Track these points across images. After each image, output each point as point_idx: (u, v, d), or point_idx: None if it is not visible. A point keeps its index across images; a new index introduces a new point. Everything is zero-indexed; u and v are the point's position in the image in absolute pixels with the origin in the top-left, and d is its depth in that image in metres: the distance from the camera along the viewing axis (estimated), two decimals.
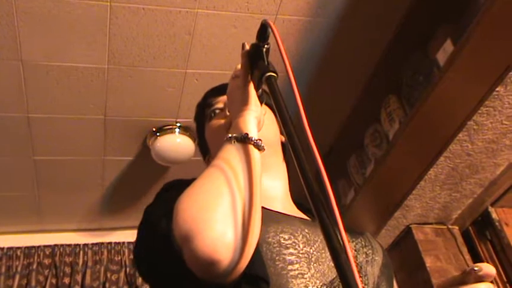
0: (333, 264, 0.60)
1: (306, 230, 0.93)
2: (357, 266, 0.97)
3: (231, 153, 0.83)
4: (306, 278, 0.85)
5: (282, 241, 0.89)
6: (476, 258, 2.48)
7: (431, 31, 2.03)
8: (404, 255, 2.56)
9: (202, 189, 0.79)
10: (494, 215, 2.47)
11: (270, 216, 0.94)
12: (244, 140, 0.84)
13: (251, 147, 0.83)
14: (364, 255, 1.02)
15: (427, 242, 2.50)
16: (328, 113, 2.52)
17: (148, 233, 0.87)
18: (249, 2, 2.04)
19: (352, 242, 1.03)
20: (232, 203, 0.76)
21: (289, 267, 0.85)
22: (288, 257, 0.87)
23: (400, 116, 2.18)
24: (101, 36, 2.07)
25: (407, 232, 2.56)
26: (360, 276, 0.96)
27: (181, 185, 0.88)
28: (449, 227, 2.56)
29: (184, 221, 0.74)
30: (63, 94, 2.29)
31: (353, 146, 2.58)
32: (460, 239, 2.54)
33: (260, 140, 0.85)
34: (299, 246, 0.89)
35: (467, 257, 2.48)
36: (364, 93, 2.49)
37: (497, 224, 2.45)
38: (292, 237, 0.90)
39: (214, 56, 2.23)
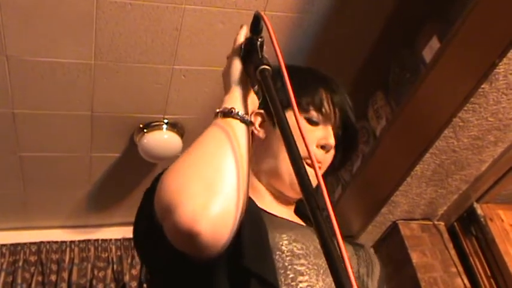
0: None
1: (317, 241, 0.94)
2: (359, 278, 0.98)
3: (217, 128, 0.83)
4: None
5: (295, 250, 0.89)
6: (462, 254, 2.50)
7: (418, 28, 2.05)
8: (390, 251, 2.58)
9: (185, 163, 0.79)
10: (479, 211, 2.49)
11: (282, 223, 0.95)
12: (229, 114, 0.84)
13: (237, 122, 0.83)
14: (365, 269, 1.04)
15: (413, 238, 2.53)
16: None
17: (137, 214, 0.88)
18: None
19: (356, 255, 1.05)
20: (215, 176, 0.76)
21: (300, 278, 0.86)
22: (299, 268, 0.87)
23: (387, 113, 2.19)
24: (87, 31, 2.06)
25: (393, 228, 2.57)
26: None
27: None
28: (435, 222, 2.59)
29: (165, 194, 0.75)
30: (49, 90, 2.27)
31: None
32: (445, 235, 2.57)
33: (246, 114, 0.85)
34: (310, 257, 0.89)
35: (453, 252, 2.50)
36: (351, 90, 2.48)
37: (482, 219, 2.48)
38: (304, 247, 0.90)
39: (202, 52, 2.22)
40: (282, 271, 0.85)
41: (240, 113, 0.84)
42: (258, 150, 1.03)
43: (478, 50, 1.79)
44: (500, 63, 1.76)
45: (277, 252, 0.86)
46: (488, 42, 1.76)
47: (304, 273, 0.86)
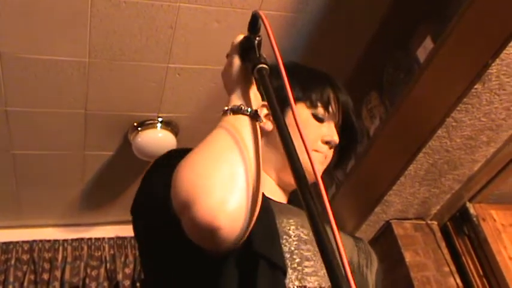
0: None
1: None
2: (359, 269, 1.01)
3: (228, 124, 0.84)
4: (319, 276, 0.87)
5: (302, 235, 0.91)
6: (454, 253, 2.52)
7: (413, 28, 2.06)
8: (384, 250, 2.58)
9: (201, 156, 0.80)
10: (471, 211, 2.51)
11: (288, 209, 0.98)
12: (239, 111, 0.85)
13: (246, 118, 0.85)
14: (365, 260, 1.06)
15: (406, 237, 2.54)
16: None
17: (146, 201, 0.88)
18: None
19: (356, 246, 1.07)
20: (231, 170, 0.76)
21: (305, 263, 0.87)
22: (305, 253, 0.89)
23: (381, 113, 2.20)
24: (82, 29, 2.05)
25: (387, 227, 2.58)
26: (353, 275, 1.00)
27: (186, 153, 0.88)
28: (428, 222, 2.60)
29: (183, 188, 0.75)
30: (42, 87, 2.26)
31: None
32: (438, 234, 2.58)
33: (256, 110, 0.86)
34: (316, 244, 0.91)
35: (446, 251, 2.52)
36: (345, 89, 2.50)
37: (474, 219, 2.49)
38: (311, 233, 0.90)
39: (197, 51, 2.22)
40: (289, 255, 0.87)
41: (249, 110, 0.85)
42: (265, 141, 1.04)
43: (472, 51, 1.80)
44: (493, 64, 1.77)
45: (285, 237, 0.88)
46: (481, 42, 1.77)
47: (310, 259, 0.89)
